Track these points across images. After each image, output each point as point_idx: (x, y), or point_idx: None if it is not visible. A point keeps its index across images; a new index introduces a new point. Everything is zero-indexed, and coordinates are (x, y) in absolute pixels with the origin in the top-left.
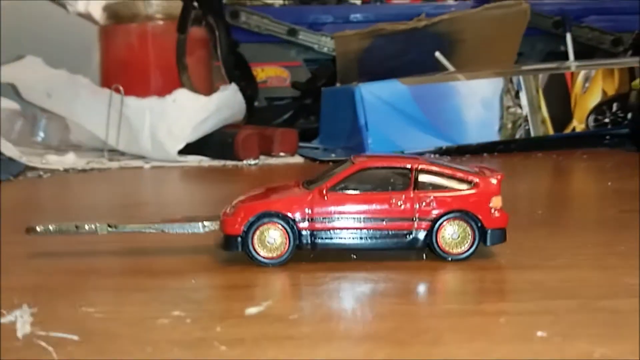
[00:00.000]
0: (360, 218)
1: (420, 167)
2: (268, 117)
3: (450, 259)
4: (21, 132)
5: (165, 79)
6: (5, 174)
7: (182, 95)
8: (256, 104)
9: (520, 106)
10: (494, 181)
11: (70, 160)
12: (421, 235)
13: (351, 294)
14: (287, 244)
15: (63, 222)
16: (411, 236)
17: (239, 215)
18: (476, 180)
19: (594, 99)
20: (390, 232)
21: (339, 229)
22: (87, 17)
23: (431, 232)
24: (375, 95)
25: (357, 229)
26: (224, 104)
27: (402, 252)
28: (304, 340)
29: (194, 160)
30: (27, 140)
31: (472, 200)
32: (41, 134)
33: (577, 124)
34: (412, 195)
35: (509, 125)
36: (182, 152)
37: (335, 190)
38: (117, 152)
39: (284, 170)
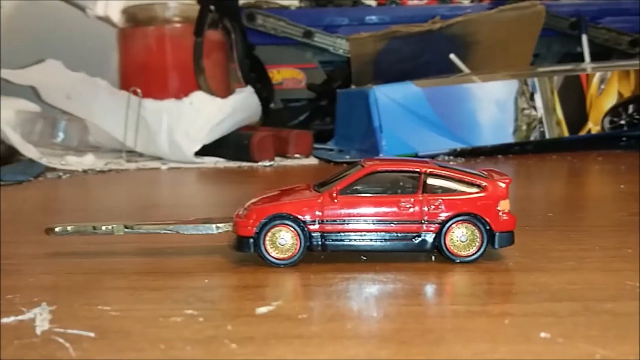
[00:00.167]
0: (369, 220)
1: (429, 170)
2: (284, 119)
3: (458, 261)
4: (41, 133)
5: (182, 81)
6: (25, 175)
7: (198, 98)
8: (272, 105)
9: (535, 108)
10: (502, 185)
11: (89, 161)
12: (429, 237)
13: (359, 294)
14: (298, 245)
15: (81, 223)
16: (420, 238)
17: (251, 217)
18: (484, 183)
19: (610, 100)
20: (399, 235)
21: (349, 231)
22: (106, 20)
23: (439, 234)
24: (390, 98)
25: (366, 231)
26: (240, 106)
27: (411, 254)
28: (313, 339)
29: (210, 161)
30: (47, 141)
31: (481, 203)
32: (61, 135)
33: (593, 126)
34: (420, 198)
35: (524, 127)
36: (198, 153)
37: (346, 193)
38: (135, 154)
39: (298, 171)
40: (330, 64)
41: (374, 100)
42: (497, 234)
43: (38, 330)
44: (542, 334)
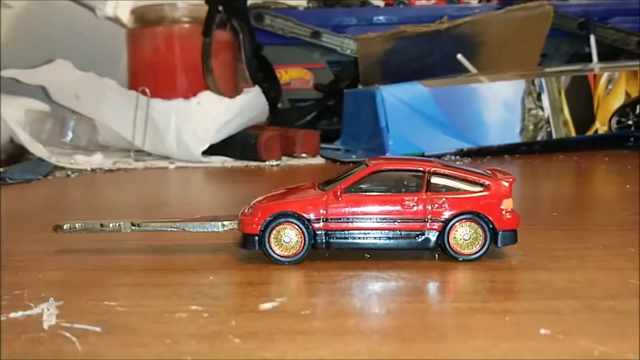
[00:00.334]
0: (373, 219)
1: (432, 169)
2: (291, 119)
3: (461, 259)
4: (51, 132)
5: (191, 81)
6: (34, 173)
7: (206, 98)
8: (280, 105)
9: (542, 108)
10: (505, 184)
11: (97, 160)
12: (433, 236)
13: (362, 291)
14: (303, 243)
15: (89, 221)
16: (423, 237)
17: (256, 215)
18: (488, 182)
19: (617, 101)
20: (402, 233)
21: (353, 229)
22: (115, 20)
23: (443, 233)
24: (397, 98)
25: (370, 229)
26: (247, 106)
27: (415, 252)
28: (315, 335)
29: (217, 160)
30: (56, 140)
31: (484, 202)
32: (70, 135)
33: (600, 126)
34: (424, 197)
35: (531, 127)
36: (206, 152)
37: (350, 192)
38: (143, 153)
39: (305, 171)
40: (338, 64)
41: (380, 100)
42: (500, 232)
43: (45, 325)
44: (543, 331)
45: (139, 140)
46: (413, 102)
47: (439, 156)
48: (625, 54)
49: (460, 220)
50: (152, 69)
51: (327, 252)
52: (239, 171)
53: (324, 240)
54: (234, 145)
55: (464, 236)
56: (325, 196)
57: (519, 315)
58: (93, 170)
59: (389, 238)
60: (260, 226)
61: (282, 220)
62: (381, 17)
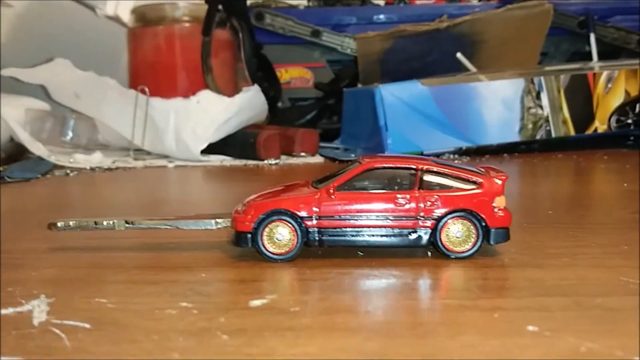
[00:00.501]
0: (366, 216)
1: (425, 167)
2: (292, 118)
3: (453, 256)
4: (51, 131)
5: (191, 80)
6: (33, 172)
7: (205, 97)
8: (280, 104)
9: (541, 107)
10: (498, 182)
11: (97, 159)
12: (425, 233)
13: (353, 288)
14: (295, 241)
15: (83, 219)
16: (416, 234)
17: (249, 213)
18: (480, 180)
19: (617, 99)
20: (395, 230)
21: (346, 227)
22: (116, 19)
23: (435, 230)
24: (396, 96)
25: (363, 227)
26: (247, 105)
27: (408, 249)
28: (303, 331)
29: (216, 159)
30: (56, 139)
31: (476, 199)
32: (70, 134)
33: (599, 125)
34: (417, 194)
35: (530, 126)
36: (205, 151)
37: (343, 190)
38: (143, 152)
39: (304, 169)
40: (338, 63)
41: (379, 99)
42: (493, 230)
43: (35, 322)
44: (531, 328)
45: (138, 139)
46: (412, 101)
47: (438, 155)
48: (626, 53)
49: (453, 217)
50: (153, 68)
51: (320, 249)
52: (238, 170)
53: (317, 238)
54: (233, 144)
55: (456, 234)
56: (318, 194)
57: (508, 312)
58: (92, 169)
59: (381, 236)
60: (253, 224)
61: (275, 217)
62: (382, 16)
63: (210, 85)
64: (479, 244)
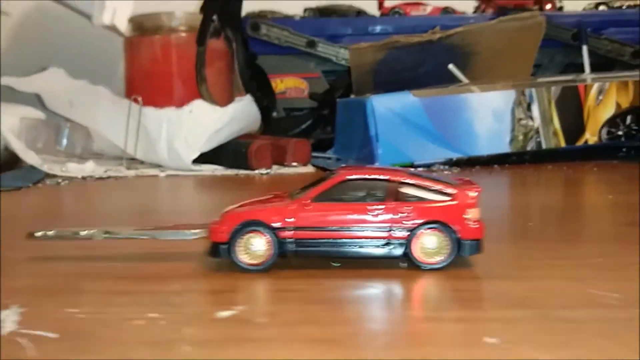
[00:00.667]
0: (341, 227)
1: (399, 179)
2: (286, 127)
3: (426, 268)
4: (46, 140)
5: (187, 89)
6: (25, 181)
7: (198, 106)
8: (275, 114)
9: (532, 118)
10: (471, 194)
11: (89, 168)
12: (399, 244)
13: (322, 300)
14: (270, 251)
15: (62, 229)
16: (389, 245)
17: (224, 224)
18: (454, 192)
19: (608, 111)
20: (369, 242)
21: (320, 237)
22: (112, 29)
23: (408, 242)
24: (387, 107)
25: (337, 237)
26: (239, 115)
27: (385, 261)
28: (266, 343)
29: (208, 169)
30: (51, 148)
31: (449, 211)
32: (65, 143)
33: (590, 137)
34: (391, 206)
35: (520, 137)
36: (197, 161)
37: (318, 200)
38: (136, 161)
39: (295, 180)
40: (333, 73)
41: (371, 110)
42: (466, 242)
43: (3, 332)
44: (489, 339)
45: (131, 148)
46: (403, 112)
47: (429, 166)
48: (620, 65)
49: (426, 229)
50: (149, 78)
51: (296, 260)
52: (229, 180)
53: (292, 249)
54: (225, 153)
55: (429, 245)
56: (293, 205)
57: (470, 324)
58: (84, 178)
59: (356, 247)
60: (228, 234)
61: (250, 228)
62: (377, 27)
63: (205, 95)
64: (451, 255)
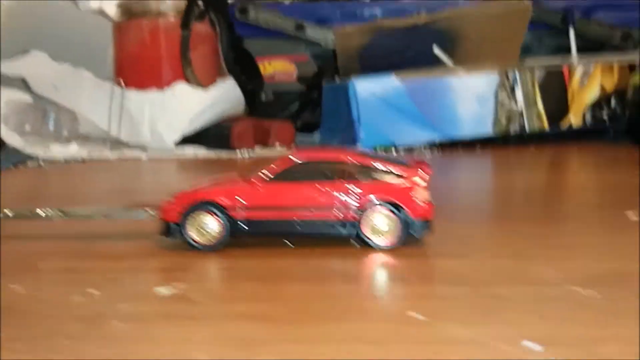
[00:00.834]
0: (292, 208)
1: (352, 161)
2: (274, 110)
3: (377, 247)
4: (33, 123)
5: (176, 72)
6: (6, 162)
7: (181, 89)
8: (263, 97)
9: (515, 101)
10: (422, 175)
11: (72, 150)
12: (350, 224)
13: (264, 277)
14: (221, 231)
15: (19, 209)
16: (340, 225)
17: (176, 204)
18: (405, 173)
19: (592, 94)
20: (320, 221)
21: (272, 218)
22: (101, 13)
23: (359, 222)
24: (369, 91)
25: (289, 217)
26: (221, 97)
27: (339, 240)
28: (193, 320)
29: (190, 151)
30: (38, 130)
31: (399, 192)
32: (51, 125)
33: (574, 119)
34: (341, 187)
35: (503, 120)
36: (181, 143)
37: (271, 181)
38: (121, 143)
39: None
40: (321, 56)
41: (353, 93)
42: (415, 221)
43: None
44: (415, 315)
45: (115, 131)
46: (386, 95)
47: (411, 149)
48: (609, 48)
49: (376, 209)
50: (138, 61)
51: (250, 240)
52: (211, 162)
53: (244, 229)
54: (208, 135)
55: (380, 225)
56: (246, 186)
57: (401, 301)
58: (66, 160)
59: (306, 226)
60: (180, 214)
61: (202, 208)
62: (366, 11)
63: (190, 78)
64: (401, 235)
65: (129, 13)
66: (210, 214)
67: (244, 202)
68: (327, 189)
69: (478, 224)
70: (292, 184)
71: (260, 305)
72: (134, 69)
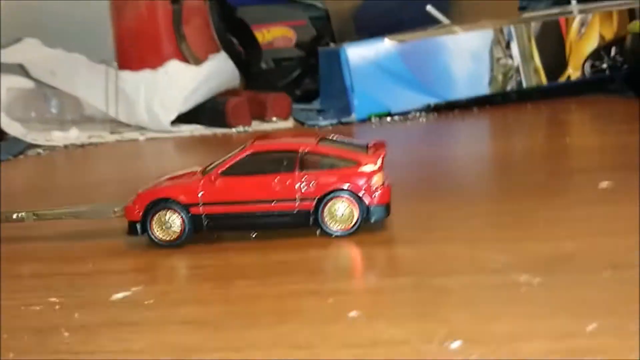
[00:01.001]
0: (250, 200)
1: (307, 149)
2: (274, 79)
3: (335, 235)
4: (36, 108)
5: (170, 48)
6: (5, 153)
7: (173, 67)
8: (264, 66)
9: (511, 57)
10: (376, 159)
11: (73, 135)
12: (308, 213)
13: (219, 276)
14: (183, 228)
15: None
16: (299, 215)
17: (137, 202)
18: (360, 159)
19: (591, 44)
20: (279, 212)
21: (230, 212)
22: None
23: (316, 210)
24: (361, 56)
25: (246, 211)
26: (215, 72)
27: (304, 229)
28: (139, 327)
29: (186, 129)
30: (42, 116)
31: (355, 178)
32: (55, 110)
33: (573, 72)
34: (297, 176)
35: (500, 78)
36: (177, 121)
37: (227, 174)
38: (122, 124)
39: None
40: (320, 19)
41: (344, 59)
42: (372, 207)
43: None
44: (351, 314)
45: (113, 112)
46: (378, 60)
47: (407, 113)
48: None
49: (333, 197)
50: (138, 37)
51: (215, 234)
52: (207, 140)
53: (205, 224)
54: (203, 112)
55: (337, 212)
56: (203, 180)
57: (343, 297)
58: (65, 146)
59: (265, 218)
60: (140, 213)
61: (162, 206)
62: None
63: (186, 53)
64: (358, 222)
65: None
66: (170, 210)
67: (202, 197)
68: (283, 178)
69: (447, 202)
70: (248, 177)
71: (204, 309)
72: (135, 46)
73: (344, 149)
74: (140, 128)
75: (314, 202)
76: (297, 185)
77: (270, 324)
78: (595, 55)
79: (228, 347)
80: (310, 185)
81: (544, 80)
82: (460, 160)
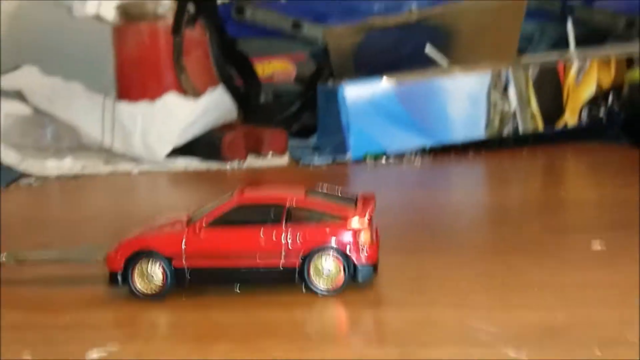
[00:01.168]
0: (234, 254)
1: (294, 203)
2: (273, 113)
3: (320, 293)
4: (33, 135)
5: (169, 79)
6: None
7: (171, 99)
8: (262, 99)
9: (508, 101)
10: (364, 214)
11: (66, 165)
12: (293, 270)
13: (199, 336)
14: (165, 280)
15: None
16: (284, 271)
17: (119, 252)
18: (347, 214)
19: (588, 91)
20: (264, 268)
21: (214, 266)
22: (97, 18)
23: (302, 267)
24: (358, 95)
25: (230, 266)
26: (212, 106)
27: (286, 285)
28: None
29: (181, 163)
30: (38, 143)
31: (342, 235)
32: (50, 137)
33: (569, 118)
34: (284, 231)
35: (496, 122)
36: (174, 152)
37: (212, 225)
38: (117, 154)
39: (268, 173)
40: (321, 54)
41: (342, 98)
42: (359, 267)
43: None
44: None
45: (108, 142)
46: (375, 100)
47: (402, 154)
48: (613, 39)
49: (319, 254)
50: (139, 65)
51: (196, 287)
52: (200, 175)
53: (187, 277)
54: (199, 146)
55: (323, 270)
56: (188, 231)
57: None
58: (58, 177)
59: (250, 274)
60: (122, 263)
61: (144, 257)
62: (364, 7)
63: (185, 85)
64: (344, 281)
65: (126, 16)
66: (152, 262)
67: (186, 250)
68: (269, 233)
69: (437, 258)
70: (233, 229)
71: None
72: (136, 73)
73: (332, 202)
74: (135, 159)
75: (301, 259)
76: (283, 239)
77: None
78: (593, 102)
79: None
80: (297, 239)
81: (540, 125)
82: (453, 208)
